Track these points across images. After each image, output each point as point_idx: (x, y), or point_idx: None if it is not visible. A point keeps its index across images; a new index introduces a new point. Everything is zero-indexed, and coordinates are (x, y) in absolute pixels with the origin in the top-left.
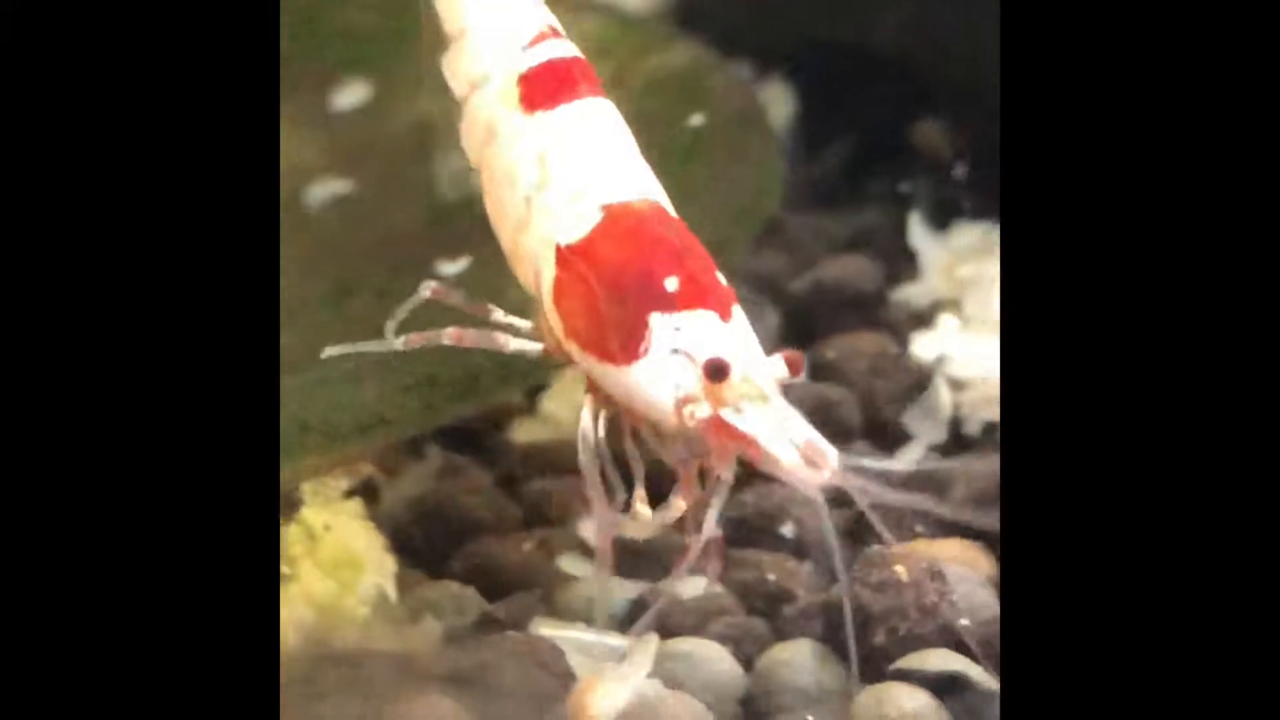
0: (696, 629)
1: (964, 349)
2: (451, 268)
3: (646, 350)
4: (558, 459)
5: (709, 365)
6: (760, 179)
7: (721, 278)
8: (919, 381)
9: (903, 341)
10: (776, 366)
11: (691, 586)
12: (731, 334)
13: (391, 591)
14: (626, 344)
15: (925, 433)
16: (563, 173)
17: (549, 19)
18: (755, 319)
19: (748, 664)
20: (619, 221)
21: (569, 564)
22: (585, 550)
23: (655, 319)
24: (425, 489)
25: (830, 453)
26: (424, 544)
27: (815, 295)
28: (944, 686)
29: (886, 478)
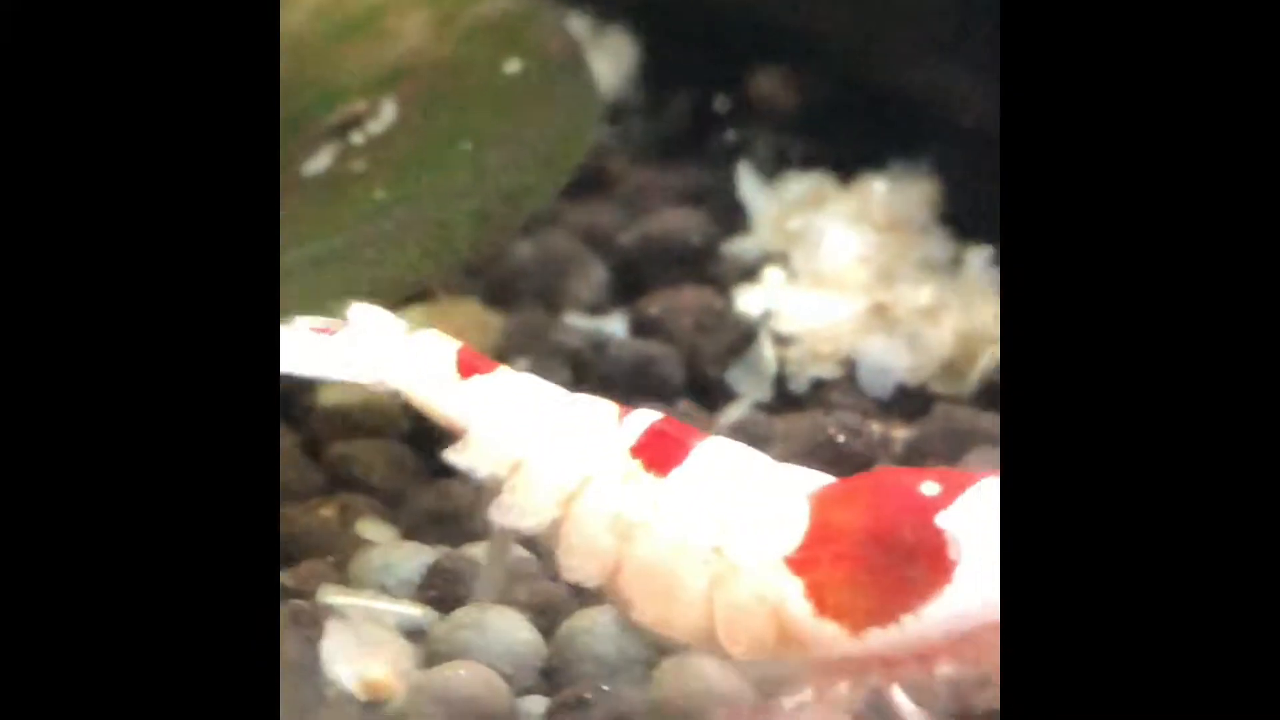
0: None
1: (791, 303)
2: None
3: (960, 553)
4: (361, 422)
5: None
6: (571, 128)
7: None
8: (744, 337)
9: (729, 296)
10: None
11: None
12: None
13: None
14: (935, 562)
15: (750, 390)
16: (741, 503)
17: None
18: (582, 273)
19: (548, 632)
20: (831, 495)
21: (368, 529)
22: (385, 515)
23: (946, 516)
24: None
25: None
26: None
27: (643, 249)
28: None
29: None
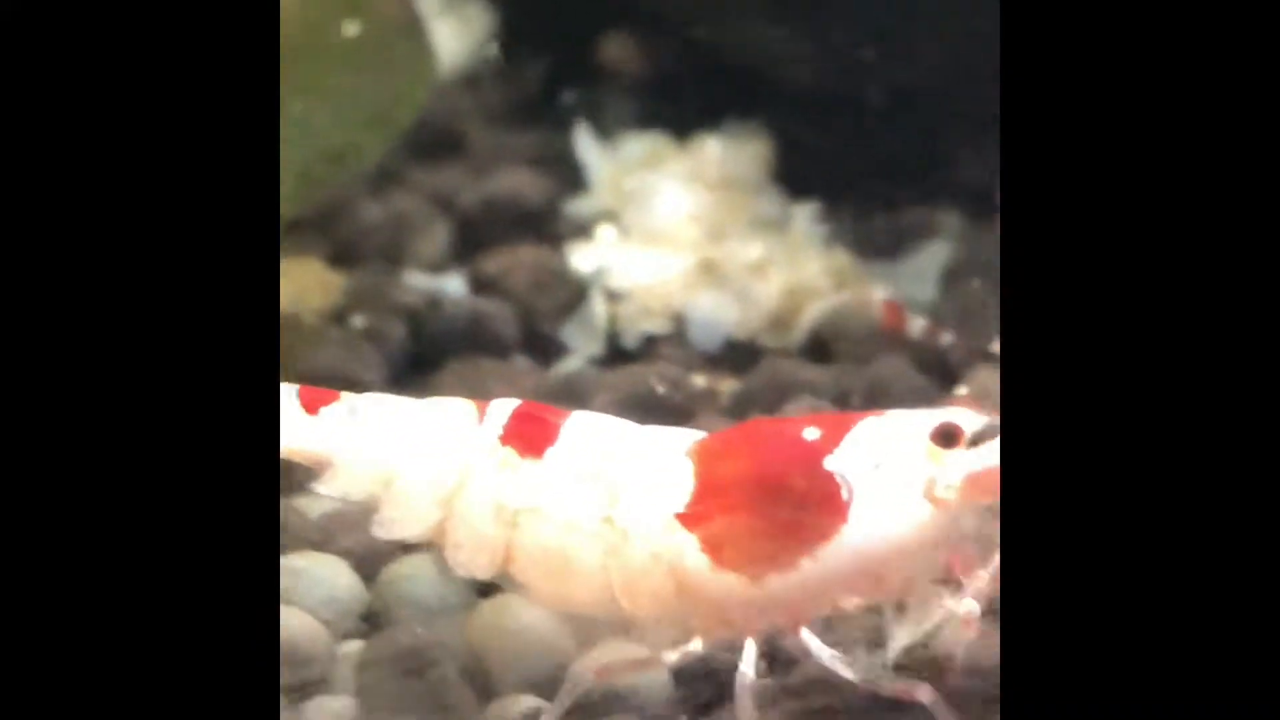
0: (321, 544)
1: (623, 260)
2: None
3: (851, 493)
4: None
5: (939, 431)
6: (404, 91)
7: None
8: (578, 294)
9: (564, 254)
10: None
11: (318, 505)
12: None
13: None
14: (827, 504)
15: (582, 345)
16: (622, 470)
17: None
18: (425, 233)
19: (369, 579)
20: (710, 449)
21: None
22: None
23: (833, 460)
24: None
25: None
26: None
27: (485, 209)
28: None
29: None
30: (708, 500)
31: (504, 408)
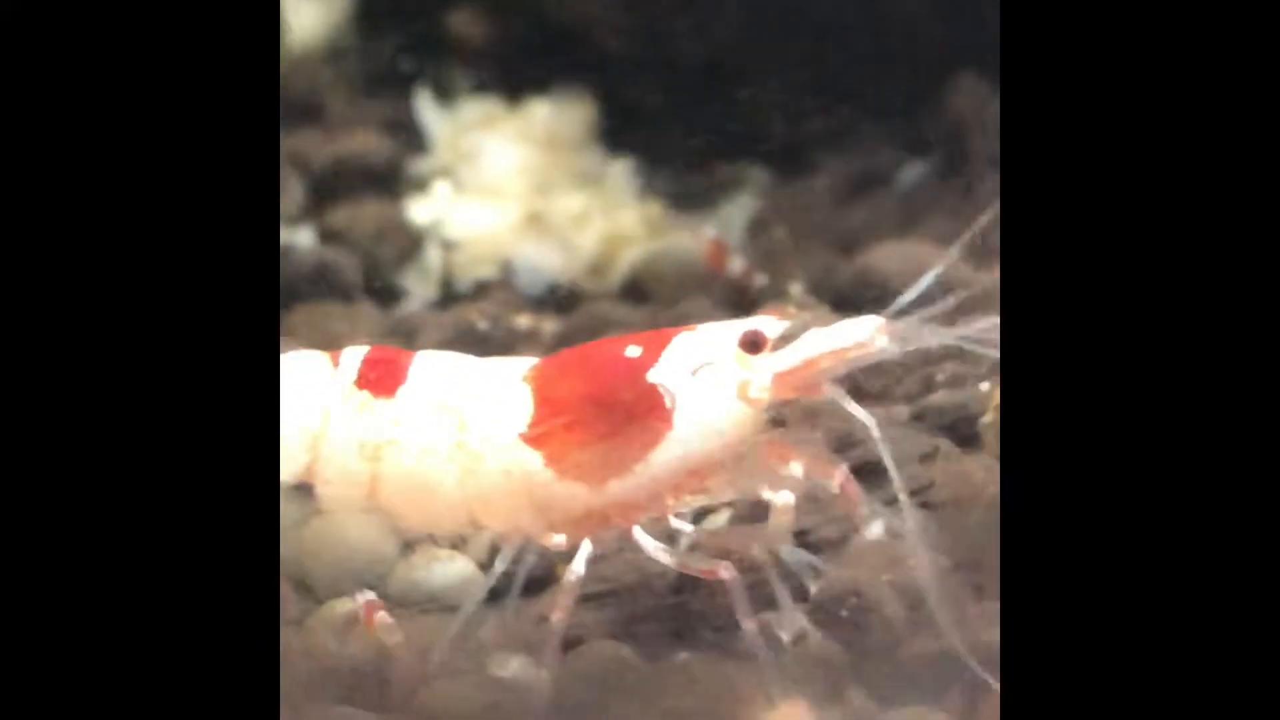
0: None
1: (456, 213)
2: None
3: (674, 401)
4: None
5: (746, 338)
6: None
7: None
8: (415, 243)
9: (403, 208)
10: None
11: None
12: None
13: None
14: (653, 413)
15: (419, 290)
16: (468, 400)
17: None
18: (286, 191)
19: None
20: (545, 373)
21: None
22: None
23: (654, 372)
24: None
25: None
26: None
27: (334, 168)
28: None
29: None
30: (547, 419)
31: (355, 355)
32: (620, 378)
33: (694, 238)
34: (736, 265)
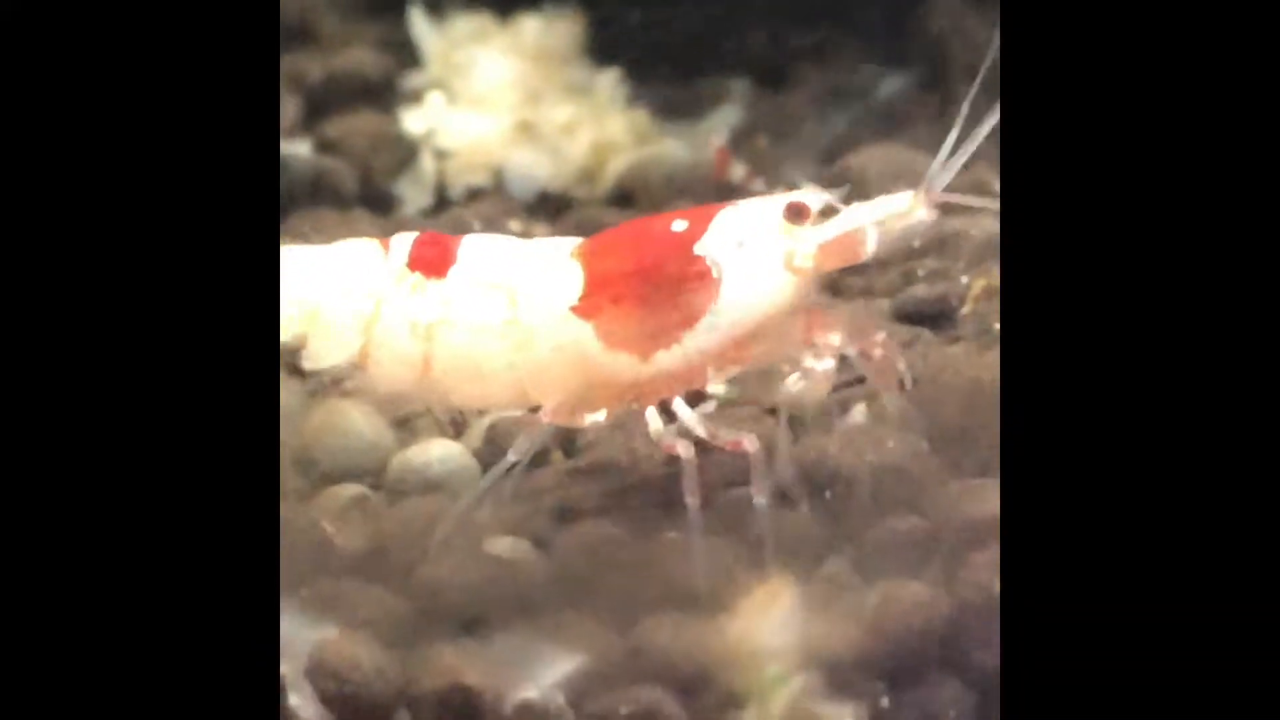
0: None
1: (449, 123)
2: None
3: (720, 272)
4: None
5: (790, 209)
6: None
7: None
8: (409, 153)
9: (397, 119)
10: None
11: None
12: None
13: None
14: (699, 285)
15: (414, 198)
16: (518, 277)
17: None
18: (284, 105)
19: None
20: (594, 248)
21: None
22: None
23: (701, 245)
24: None
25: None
26: None
27: (330, 84)
28: None
29: None
30: (597, 293)
31: (405, 240)
32: (667, 251)
33: (685, 145)
34: (739, 171)
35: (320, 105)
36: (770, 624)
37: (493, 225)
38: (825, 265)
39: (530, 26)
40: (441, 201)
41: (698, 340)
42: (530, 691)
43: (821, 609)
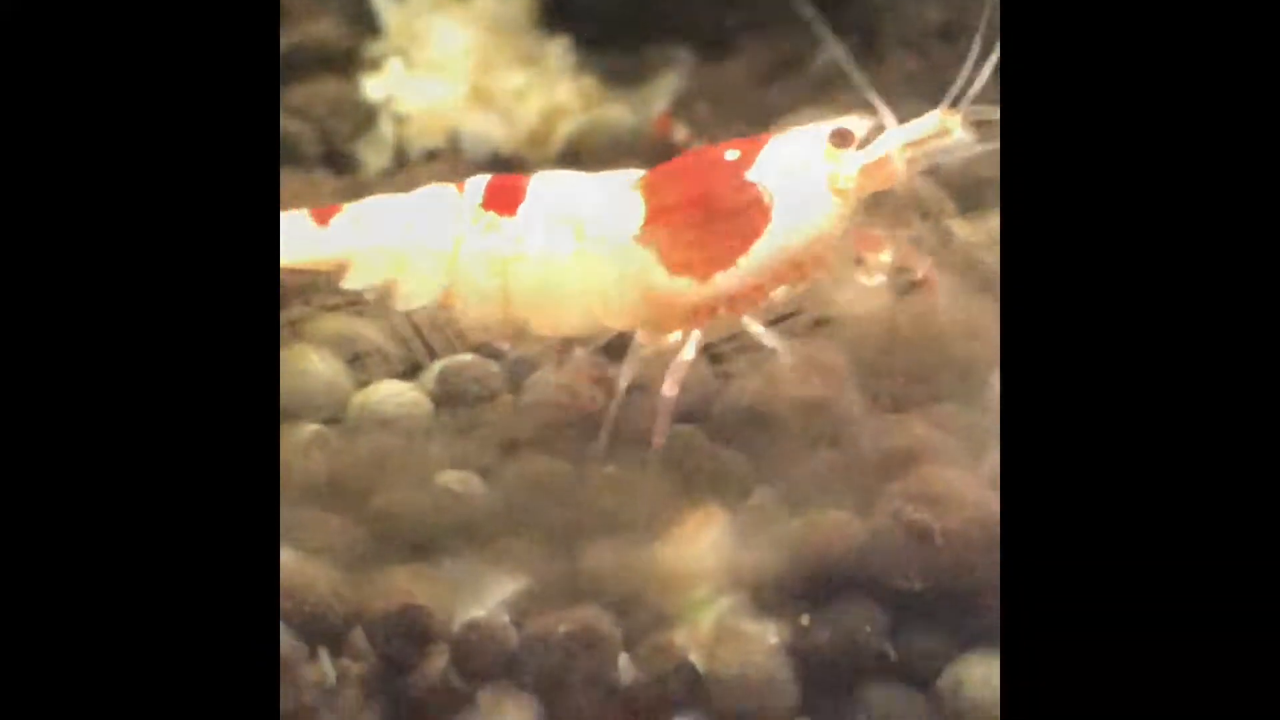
0: None
1: (408, 88)
2: None
3: (771, 197)
4: None
5: (835, 135)
6: None
7: None
8: (369, 117)
9: (358, 84)
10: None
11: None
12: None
13: None
14: (753, 209)
15: (373, 160)
16: (584, 209)
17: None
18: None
19: None
20: (653, 180)
21: None
22: None
23: (752, 172)
24: None
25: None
26: None
27: (296, 54)
28: None
29: None
30: (658, 221)
31: (478, 183)
32: (721, 179)
33: (630, 110)
34: (680, 133)
35: (285, 73)
36: (699, 550)
37: (444, 181)
38: (866, 188)
39: None
40: (400, 162)
41: (753, 261)
42: (477, 611)
43: (748, 536)
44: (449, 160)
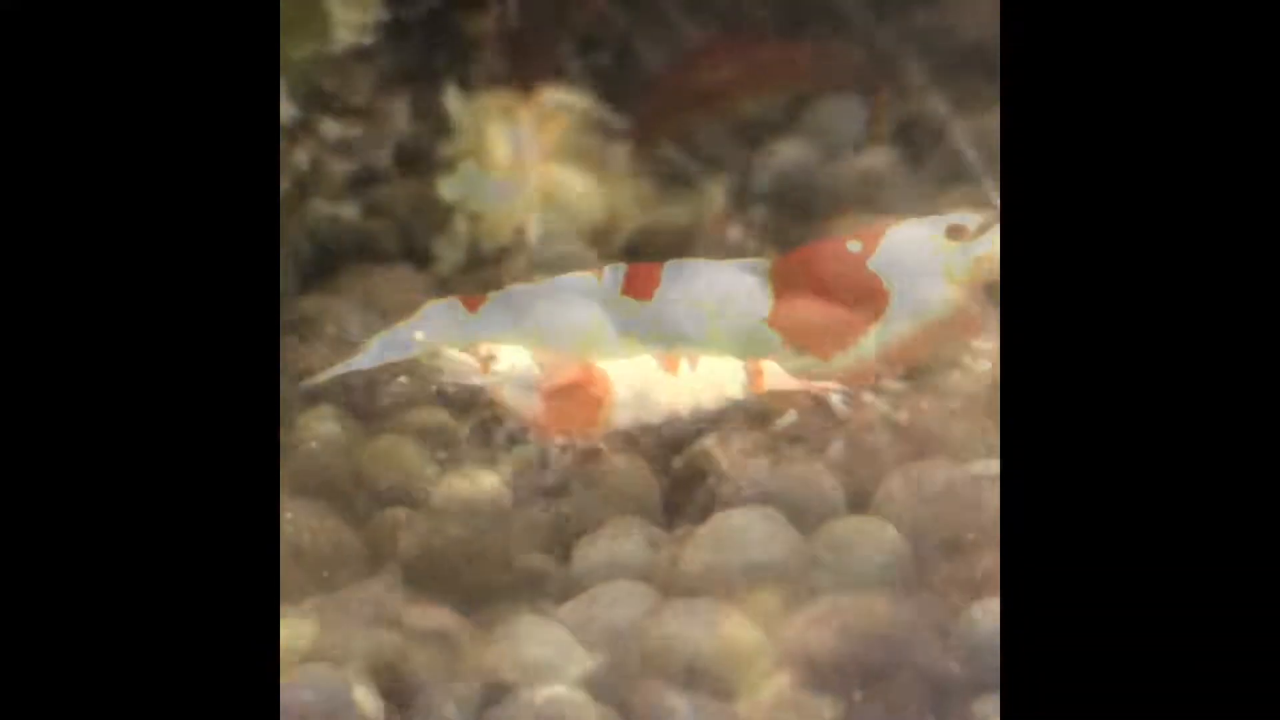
0: None
1: (480, 189)
2: None
3: (890, 284)
4: None
5: (951, 228)
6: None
7: None
8: (445, 215)
9: (434, 185)
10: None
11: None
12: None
13: None
14: (872, 297)
15: (449, 255)
16: (715, 295)
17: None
18: (331, 171)
19: None
20: (781, 268)
21: None
22: None
23: (873, 261)
24: None
25: None
26: None
27: (379, 156)
28: None
29: None
30: (785, 306)
31: (617, 271)
32: (844, 268)
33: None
34: (734, 233)
35: (367, 173)
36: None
37: (510, 273)
38: (979, 277)
39: (548, 102)
40: (474, 258)
41: (871, 342)
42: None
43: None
44: (519, 255)
